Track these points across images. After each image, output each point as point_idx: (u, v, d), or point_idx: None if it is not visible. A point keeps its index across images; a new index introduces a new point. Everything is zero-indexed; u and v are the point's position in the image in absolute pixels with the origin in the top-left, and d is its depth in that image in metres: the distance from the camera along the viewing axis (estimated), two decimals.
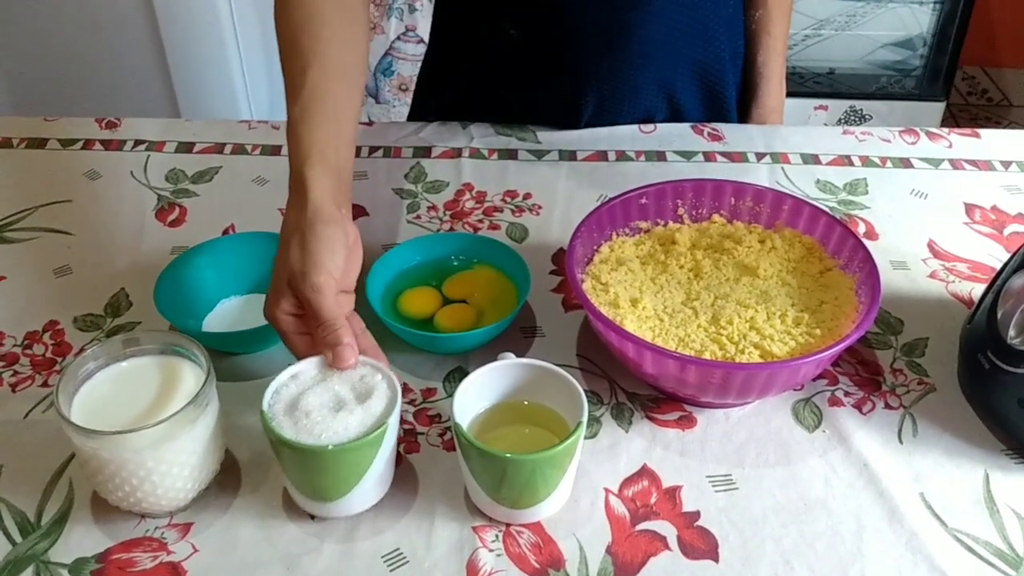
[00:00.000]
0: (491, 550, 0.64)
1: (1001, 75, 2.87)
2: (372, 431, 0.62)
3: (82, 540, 0.64)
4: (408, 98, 2.32)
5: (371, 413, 0.63)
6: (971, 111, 2.89)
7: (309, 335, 0.68)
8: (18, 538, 0.64)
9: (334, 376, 0.66)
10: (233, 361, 0.77)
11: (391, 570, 0.63)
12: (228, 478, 0.68)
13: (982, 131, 1.10)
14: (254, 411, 0.63)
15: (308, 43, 0.77)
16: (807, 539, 0.65)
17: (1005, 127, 2.82)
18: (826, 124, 2.51)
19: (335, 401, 0.64)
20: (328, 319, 0.66)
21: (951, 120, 2.79)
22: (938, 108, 2.50)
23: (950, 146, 1.07)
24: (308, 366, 0.66)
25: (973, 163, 1.05)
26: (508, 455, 0.61)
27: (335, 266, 0.68)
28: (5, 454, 0.70)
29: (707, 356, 0.71)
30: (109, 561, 0.63)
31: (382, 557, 0.63)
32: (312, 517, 0.66)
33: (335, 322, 0.66)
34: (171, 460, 0.62)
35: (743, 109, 1.14)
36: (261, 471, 0.69)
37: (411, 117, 1.18)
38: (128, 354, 0.67)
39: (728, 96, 1.11)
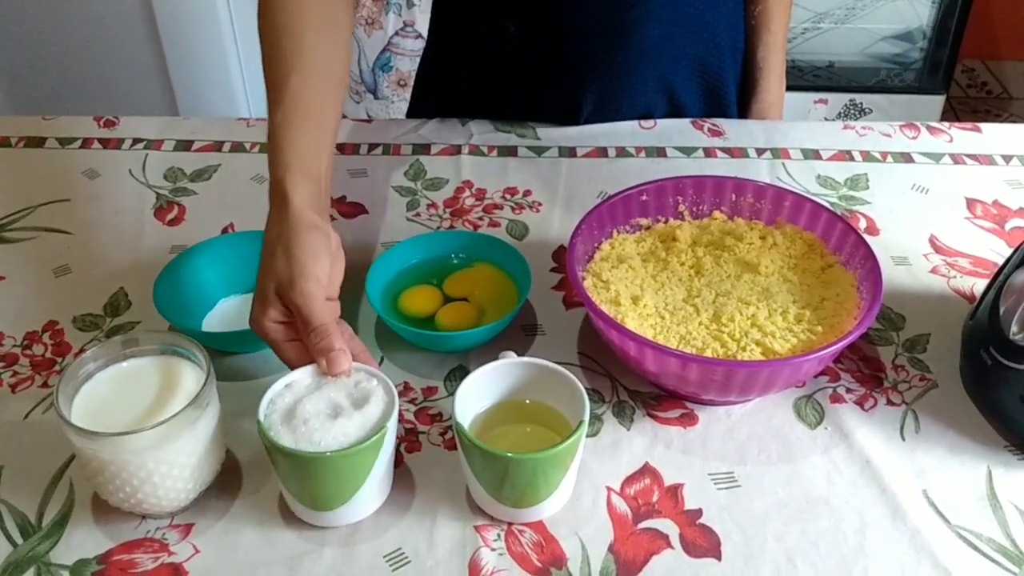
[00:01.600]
0: (493, 549, 0.64)
1: (1001, 68, 2.87)
2: (372, 435, 0.61)
3: (83, 541, 0.64)
4: (407, 94, 2.32)
5: (369, 418, 0.63)
6: (971, 104, 2.89)
7: (299, 341, 0.68)
8: (19, 539, 0.64)
9: (329, 383, 0.65)
10: (233, 361, 0.77)
11: (393, 570, 0.62)
12: (229, 478, 0.68)
13: (983, 125, 1.10)
14: (255, 411, 0.63)
15: (291, 49, 0.77)
16: (810, 537, 0.65)
17: (1005, 120, 2.81)
18: (826, 118, 2.50)
19: (332, 408, 0.64)
20: (319, 325, 0.66)
21: (951, 113, 2.78)
22: (938, 101, 2.50)
23: (951, 141, 1.07)
24: (302, 375, 0.66)
25: (974, 158, 1.04)
26: (510, 454, 0.61)
27: (321, 271, 0.68)
28: (5, 455, 0.70)
29: (708, 354, 0.71)
30: (110, 562, 0.63)
31: (384, 557, 0.63)
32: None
33: (326, 328, 0.65)
34: (172, 461, 0.62)
35: (742, 104, 1.14)
36: (262, 471, 0.69)
37: (410, 113, 1.17)
38: (128, 354, 0.66)
39: (728, 92, 1.10)
